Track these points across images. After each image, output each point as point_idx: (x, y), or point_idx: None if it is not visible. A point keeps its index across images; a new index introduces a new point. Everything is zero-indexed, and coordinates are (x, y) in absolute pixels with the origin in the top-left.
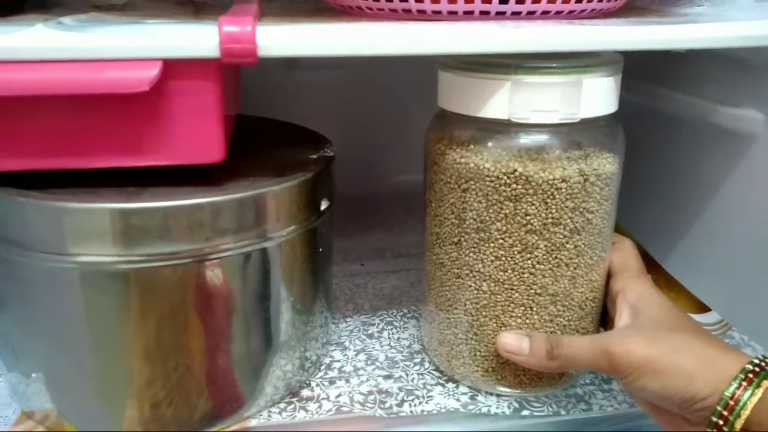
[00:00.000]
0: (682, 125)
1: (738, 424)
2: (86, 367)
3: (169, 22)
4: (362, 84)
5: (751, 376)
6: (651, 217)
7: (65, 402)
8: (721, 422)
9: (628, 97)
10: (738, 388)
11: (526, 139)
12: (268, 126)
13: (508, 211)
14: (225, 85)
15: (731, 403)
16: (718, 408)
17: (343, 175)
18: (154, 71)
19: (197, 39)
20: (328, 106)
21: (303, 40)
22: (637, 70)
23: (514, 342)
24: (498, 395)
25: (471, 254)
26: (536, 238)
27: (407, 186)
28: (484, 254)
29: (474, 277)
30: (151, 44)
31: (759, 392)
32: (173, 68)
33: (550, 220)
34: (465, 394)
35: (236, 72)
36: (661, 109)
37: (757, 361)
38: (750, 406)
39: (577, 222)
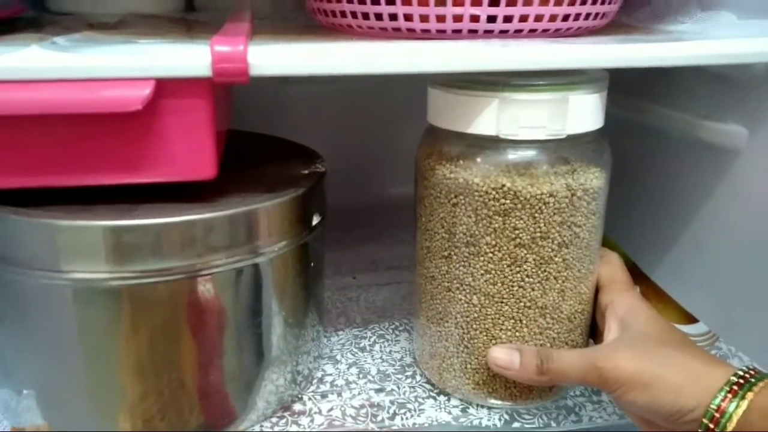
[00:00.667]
0: (669, 140)
1: None
2: (78, 383)
3: (161, 42)
4: (354, 98)
5: (736, 387)
6: (639, 230)
7: (56, 418)
8: None
9: (615, 113)
10: (723, 400)
11: (514, 155)
12: (259, 141)
13: (497, 226)
14: (217, 103)
15: (717, 415)
16: (704, 420)
17: (335, 189)
18: (146, 90)
19: (189, 59)
20: (320, 121)
21: (295, 60)
22: (624, 85)
23: (504, 357)
24: (489, 408)
25: (461, 268)
26: (525, 251)
27: (399, 199)
28: (474, 268)
29: (464, 290)
30: (144, 64)
31: (744, 404)
32: (166, 87)
33: (538, 234)
34: (456, 406)
35: (228, 88)
36: (648, 124)
37: (741, 373)
38: (735, 418)
39: (564, 236)
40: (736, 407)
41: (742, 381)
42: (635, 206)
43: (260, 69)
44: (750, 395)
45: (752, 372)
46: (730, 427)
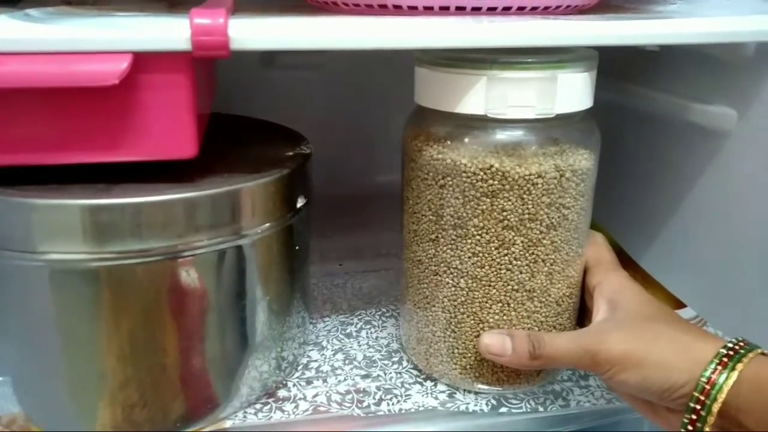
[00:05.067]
0: (657, 123)
1: (715, 408)
2: (56, 368)
3: (140, 15)
4: (340, 84)
5: (725, 359)
6: (627, 215)
7: (33, 405)
8: (698, 407)
9: (604, 96)
10: (713, 372)
11: (502, 135)
12: (244, 124)
13: (484, 207)
14: (197, 80)
15: (707, 387)
16: (695, 393)
17: (322, 176)
18: (123, 64)
19: (168, 31)
20: (306, 107)
21: (277, 33)
22: (613, 68)
23: (496, 343)
24: (476, 393)
25: (448, 251)
26: (513, 234)
27: (386, 186)
28: (461, 251)
29: (451, 274)
30: (121, 36)
31: (734, 375)
32: (144, 61)
33: (526, 216)
34: (443, 392)
35: (211, 68)
36: (637, 107)
37: (731, 345)
38: (726, 389)
39: (553, 218)
40: (726, 379)
41: (731, 353)
42: (623, 191)
43: (241, 43)
44: (740, 366)
45: (741, 344)
46: (721, 398)
